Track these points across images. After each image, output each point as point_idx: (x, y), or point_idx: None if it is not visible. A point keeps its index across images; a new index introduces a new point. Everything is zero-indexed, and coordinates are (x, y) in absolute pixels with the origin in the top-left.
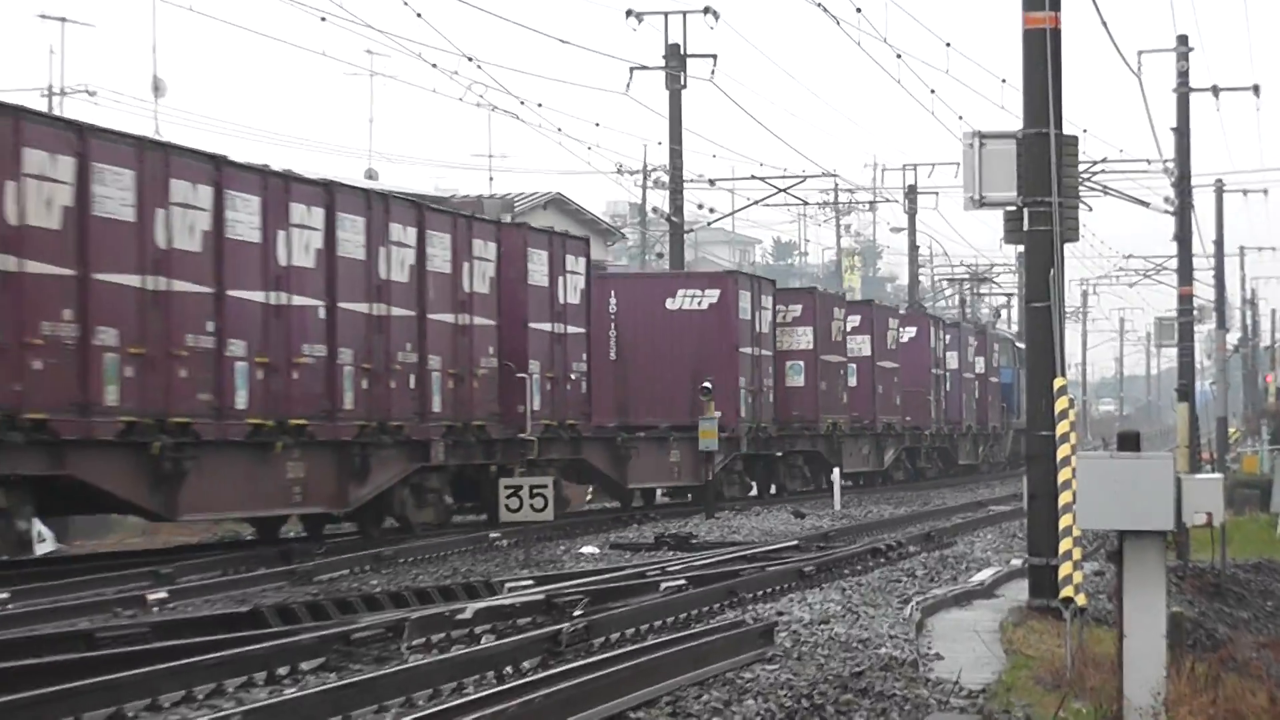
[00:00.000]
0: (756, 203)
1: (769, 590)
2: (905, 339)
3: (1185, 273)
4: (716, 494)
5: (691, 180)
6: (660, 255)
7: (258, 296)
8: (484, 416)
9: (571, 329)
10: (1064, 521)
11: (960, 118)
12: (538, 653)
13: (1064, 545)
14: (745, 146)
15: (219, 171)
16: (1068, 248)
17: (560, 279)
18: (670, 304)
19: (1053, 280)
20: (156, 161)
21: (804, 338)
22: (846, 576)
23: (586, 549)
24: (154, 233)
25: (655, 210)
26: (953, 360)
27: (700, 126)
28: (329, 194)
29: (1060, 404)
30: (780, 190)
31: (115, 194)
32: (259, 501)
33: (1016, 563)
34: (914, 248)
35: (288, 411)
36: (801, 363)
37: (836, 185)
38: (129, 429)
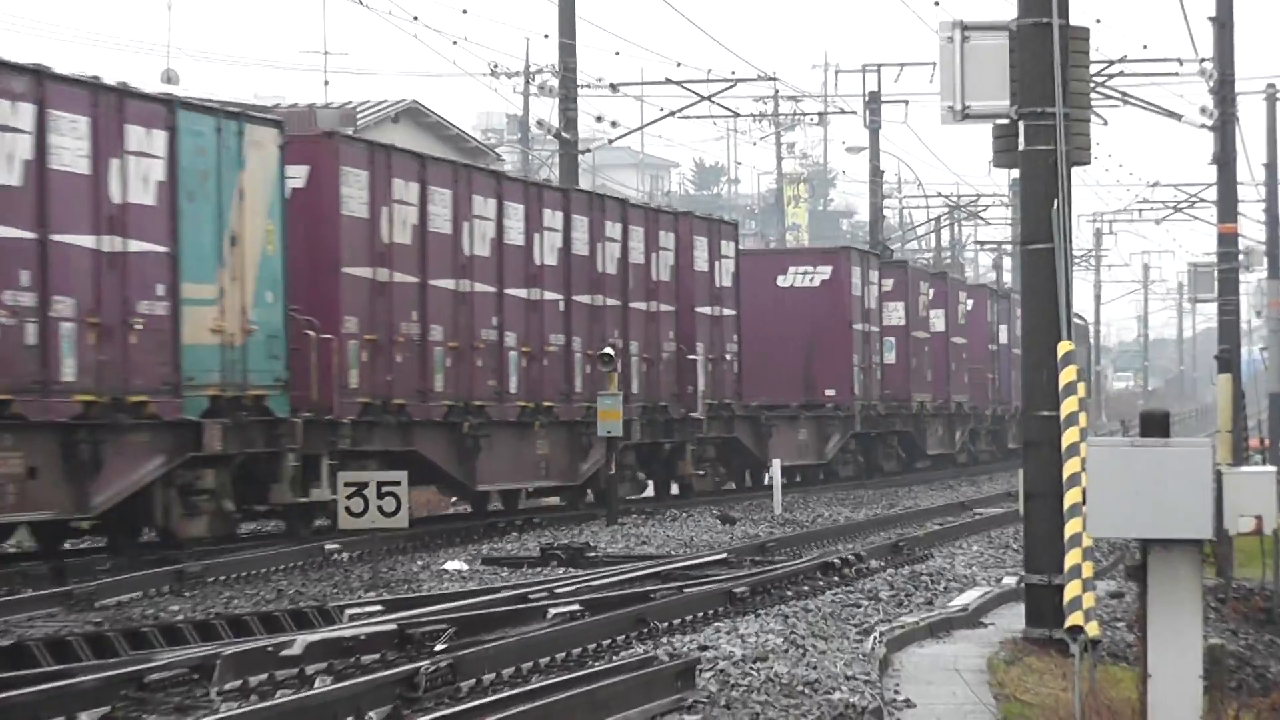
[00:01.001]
0: (673, 114)
1: (689, 618)
2: (967, 312)
3: (1228, 205)
4: (828, 474)
5: (588, 85)
6: (546, 182)
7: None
8: (667, 397)
9: (726, 311)
10: (1071, 528)
11: (936, 3)
12: (387, 700)
13: (1070, 559)
14: (658, 42)
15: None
16: (1077, 173)
17: (717, 263)
18: (781, 281)
19: (1056, 215)
20: None
21: (896, 313)
22: (790, 600)
23: (451, 565)
24: None
25: (541, 124)
26: (1004, 334)
27: (599, 15)
28: (565, 197)
29: (1066, 375)
30: (703, 99)
31: None
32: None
33: (1010, 581)
34: (877, 174)
35: (541, 395)
36: (893, 339)
37: (776, 92)
38: None
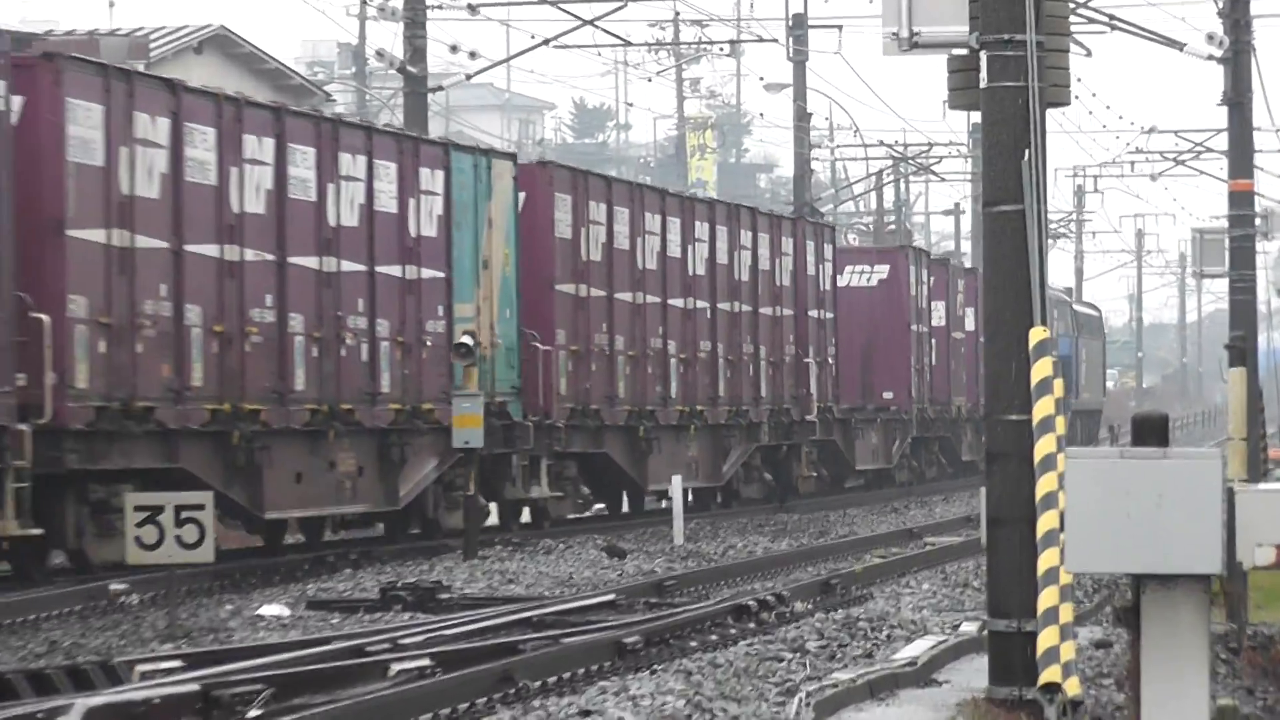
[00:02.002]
0: (546, 42)
1: (568, 675)
2: None
3: (1241, 156)
4: (904, 478)
5: (440, 6)
6: (388, 127)
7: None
8: (789, 400)
9: (827, 315)
10: (1045, 561)
11: None
12: None
13: (1045, 600)
14: None
15: None
16: (1054, 117)
17: (822, 266)
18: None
19: (1028, 169)
20: None
21: (937, 312)
22: (694, 652)
23: (269, 609)
24: None
25: (380, 55)
26: None
27: None
28: (711, 209)
29: (1040, 369)
30: (585, 23)
31: None
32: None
33: (969, 628)
34: (803, 118)
35: (695, 399)
36: (935, 340)
37: (677, 15)
38: None
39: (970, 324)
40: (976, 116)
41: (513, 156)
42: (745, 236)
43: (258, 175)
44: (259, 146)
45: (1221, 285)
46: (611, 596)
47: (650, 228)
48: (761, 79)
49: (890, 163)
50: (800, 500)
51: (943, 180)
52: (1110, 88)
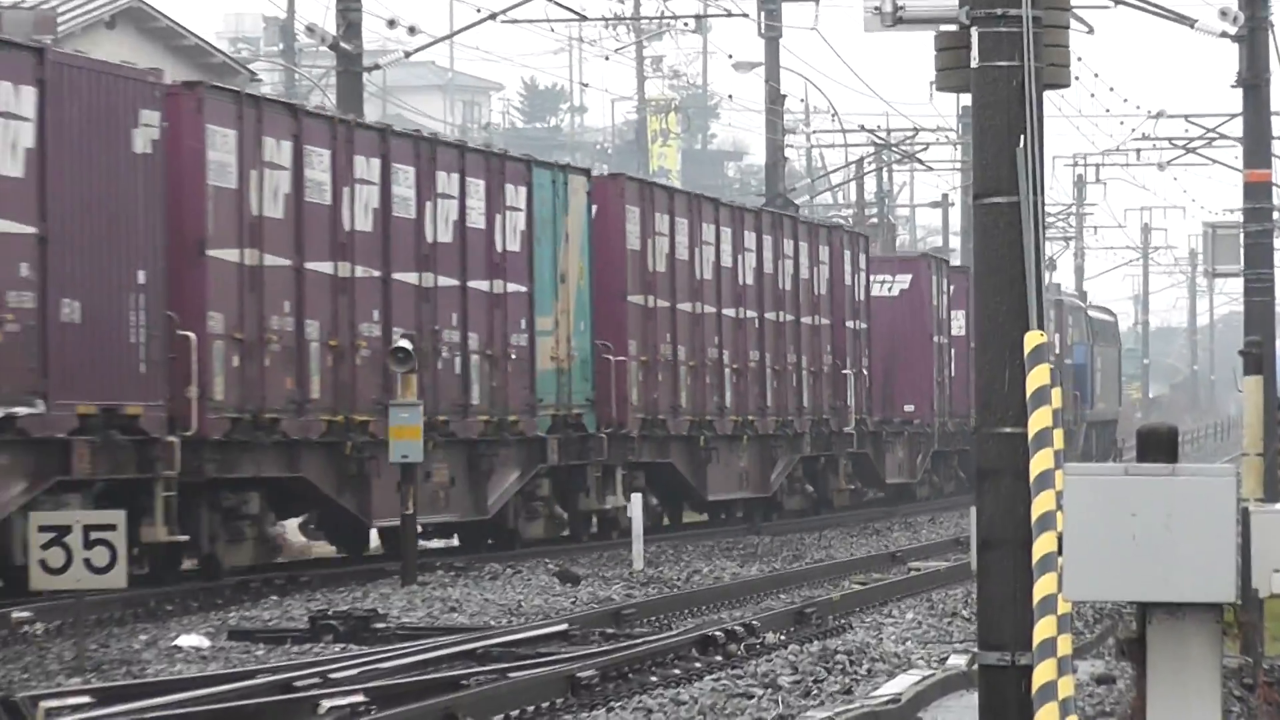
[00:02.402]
0: (493, 16)
1: (517, 713)
2: None
3: (1258, 144)
4: (924, 493)
5: None
6: (320, 109)
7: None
8: (828, 411)
9: (861, 325)
10: (1041, 588)
11: None
12: None
13: (1041, 630)
14: None
15: None
16: (1055, 99)
17: (857, 275)
18: None
19: (1023, 156)
20: None
21: (956, 322)
22: (655, 689)
23: (187, 640)
24: None
25: (311, 30)
26: None
27: None
28: (758, 218)
29: (1037, 377)
30: None
31: None
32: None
33: (958, 662)
34: (776, 100)
35: (746, 410)
36: (954, 350)
37: None
38: None
39: None
40: (966, 99)
41: (587, 172)
42: (787, 245)
43: (366, 194)
44: (367, 167)
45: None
46: (564, 626)
47: (707, 238)
48: (730, 57)
49: (872, 150)
50: (780, 520)
51: (929, 169)
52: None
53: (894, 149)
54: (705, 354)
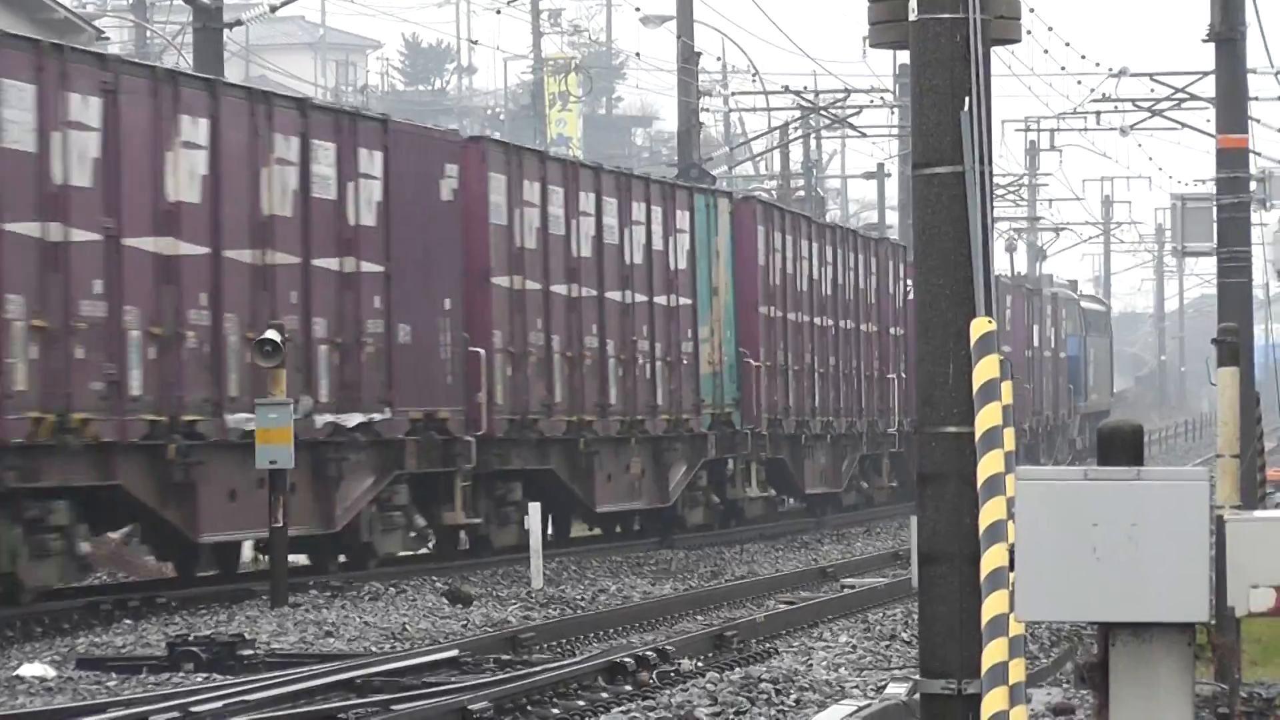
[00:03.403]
0: None
1: None
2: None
3: (1233, 106)
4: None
5: None
6: (172, 75)
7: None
8: (875, 416)
9: (901, 330)
10: (991, 607)
11: None
12: None
13: (990, 655)
14: None
15: None
16: (1004, 55)
17: (900, 284)
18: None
19: (969, 121)
20: None
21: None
22: None
23: (30, 669)
24: None
25: None
26: (1036, 335)
27: None
28: (831, 232)
29: (984, 370)
30: None
31: None
32: None
33: (898, 690)
34: (690, 59)
35: (829, 410)
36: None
37: None
38: None
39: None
40: (904, 57)
41: (729, 194)
42: (846, 257)
43: (586, 225)
44: (588, 201)
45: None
46: (454, 653)
47: (828, 258)
48: (637, 10)
49: (798, 114)
50: (690, 534)
51: (863, 136)
52: (1071, 21)
53: (823, 113)
54: (803, 359)
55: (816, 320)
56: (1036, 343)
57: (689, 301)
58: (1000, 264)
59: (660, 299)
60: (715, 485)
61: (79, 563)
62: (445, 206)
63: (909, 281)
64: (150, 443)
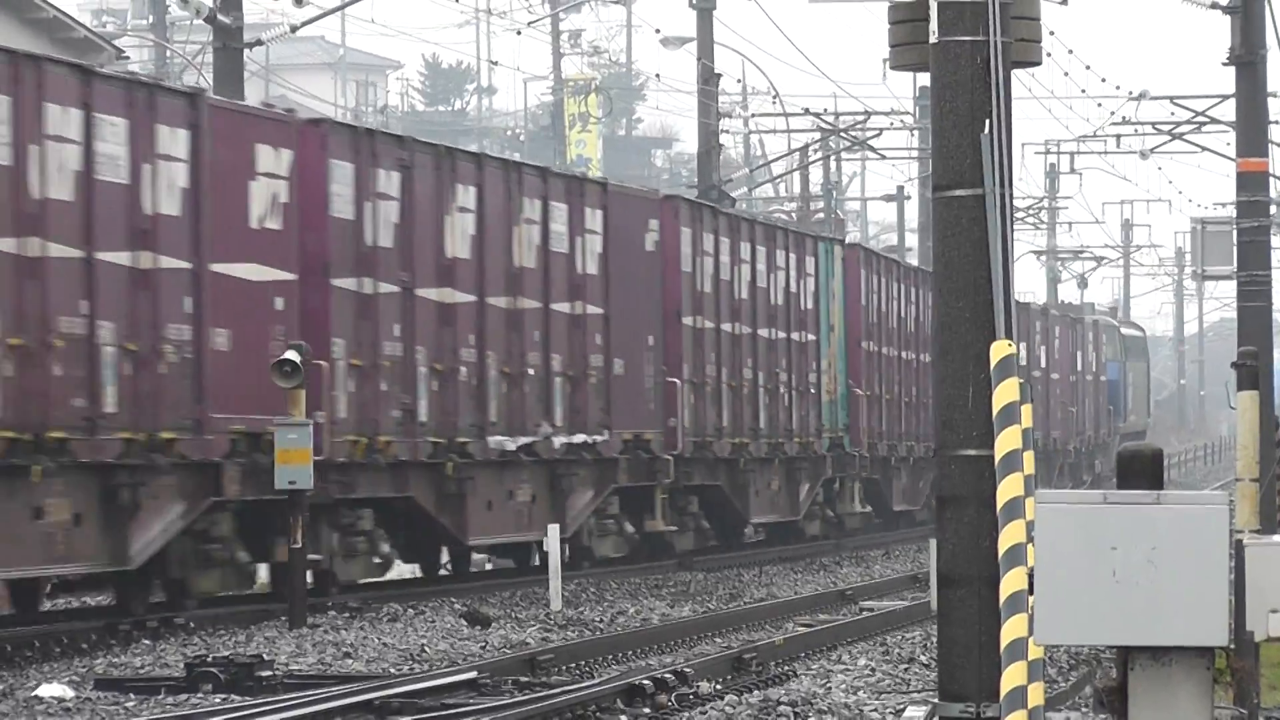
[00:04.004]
0: None
1: None
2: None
3: (1253, 129)
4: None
5: None
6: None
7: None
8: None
9: (924, 357)
10: (1010, 631)
11: None
12: None
13: (1009, 678)
14: None
15: None
16: (1024, 78)
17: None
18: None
19: (989, 144)
20: None
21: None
22: None
23: (49, 690)
24: None
25: (185, 2)
26: (1080, 360)
27: None
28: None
29: (1004, 393)
30: None
31: None
32: None
33: (917, 714)
34: (710, 80)
35: (898, 434)
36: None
37: None
38: None
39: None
40: (925, 79)
41: (841, 242)
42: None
43: (744, 272)
44: (746, 250)
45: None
46: (473, 674)
47: (911, 298)
48: (658, 31)
49: (818, 136)
50: (705, 556)
51: (883, 158)
52: (1091, 44)
53: (843, 135)
54: (884, 388)
55: (902, 354)
56: (1080, 367)
57: (814, 338)
58: (1044, 292)
59: (795, 335)
60: (828, 501)
61: (382, 560)
62: (649, 256)
63: None
64: (433, 461)
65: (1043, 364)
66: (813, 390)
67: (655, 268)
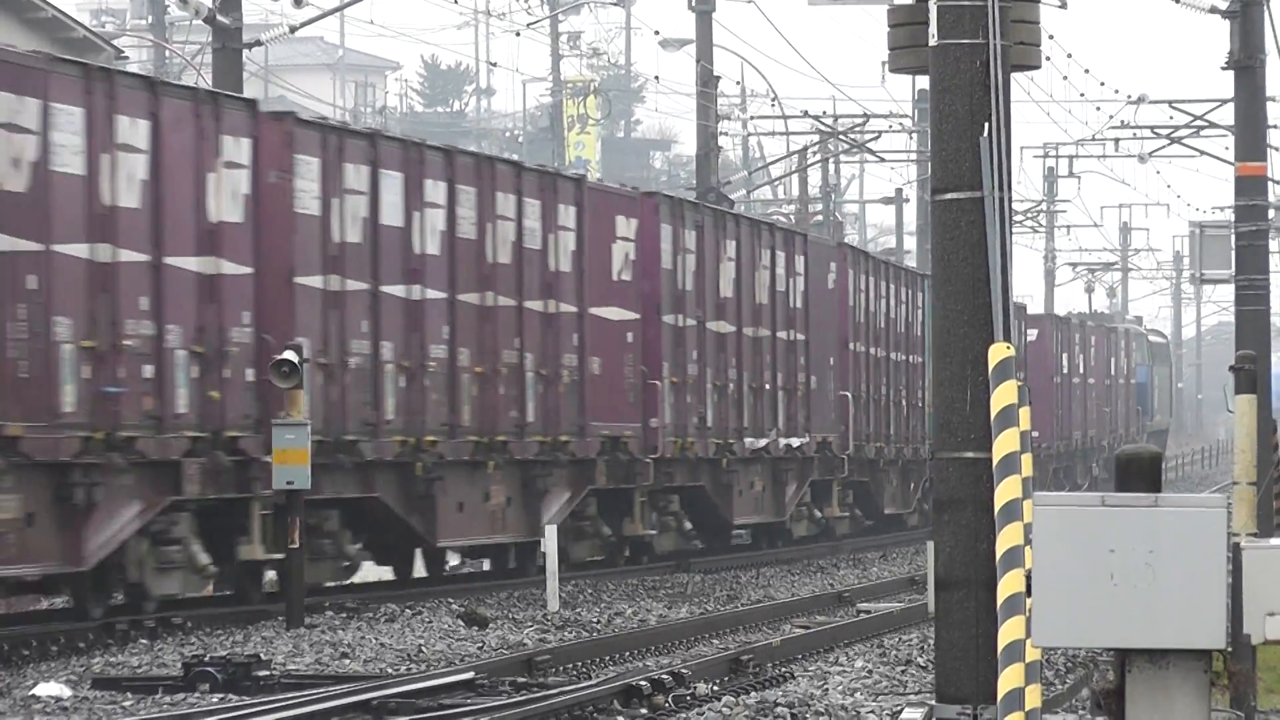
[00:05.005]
0: None
1: None
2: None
3: (1252, 133)
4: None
5: None
6: (194, 91)
7: None
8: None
9: (919, 359)
10: (1007, 633)
11: None
12: None
13: (1006, 681)
14: None
15: None
16: (1023, 82)
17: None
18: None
19: (988, 146)
20: None
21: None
22: None
23: (46, 689)
24: None
25: (184, 3)
26: (1113, 365)
27: None
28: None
29: (1004, 395)
30: None
31: None
32: None
33: (913, 716)
34: (709, 82)
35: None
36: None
37: None
38: None
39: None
40: (924, 82)
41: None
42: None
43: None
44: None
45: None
46: (470, 675)
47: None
48: (657, 34)
49: (816, 139)
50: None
51: (881, 161)
52: (1090, 48)
53: (841, 138)
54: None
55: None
56: (1113, 372)
57: (920, 359)
58: (1080, 302)
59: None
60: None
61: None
62: (829, 294)
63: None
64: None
65: (1081, 370)
66: (918, 404)
67: (836, 302)
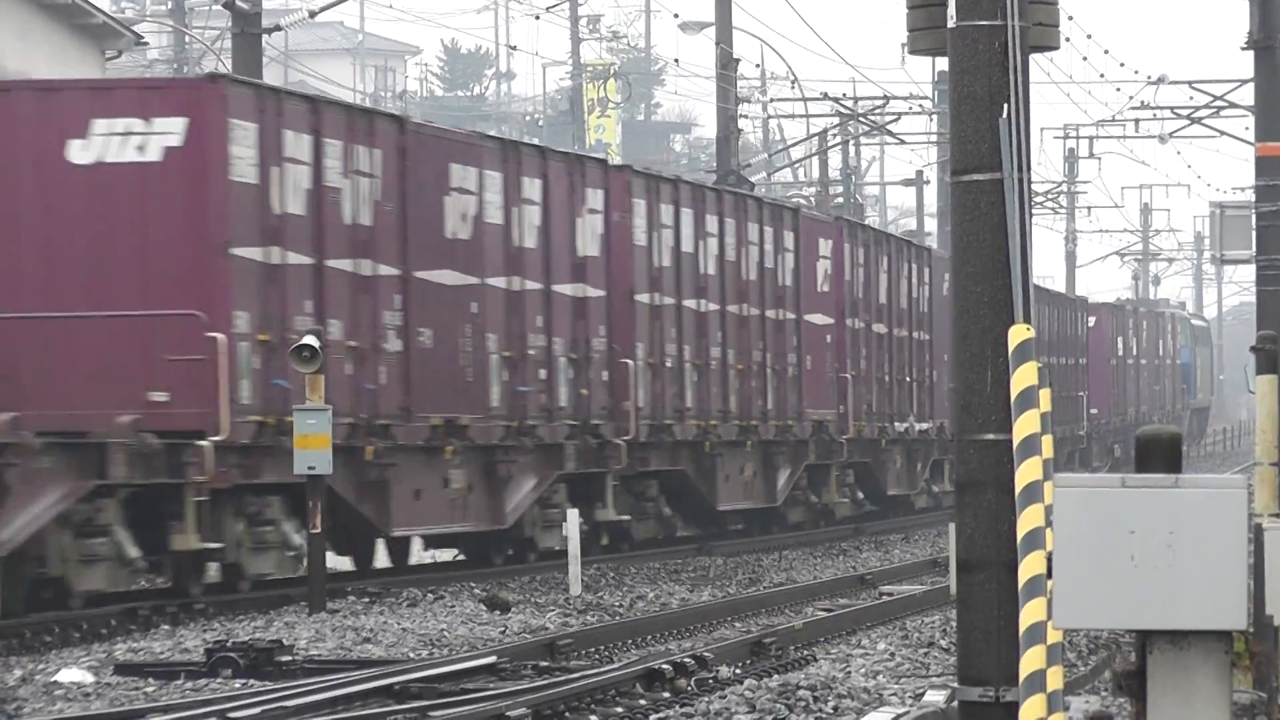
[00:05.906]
0: None
1: None
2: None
3: (1272, 114)
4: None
5: None
6: (213, 76)
7: None
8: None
9: (925, 335)
10: (1029, 615)
11: None
12: None
13: (1028, 662)
14: None
15: None
16: (1043, 62)
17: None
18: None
19: (1007, 128)
20: None
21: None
22: None
23: (68, 675)
24: None
25: None
26: (1160, 348)
27: None
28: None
29: (1024, 377)
30: None
31: None
32: None
33: (936, 698)
34: (728, 65)
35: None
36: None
37: None
38: None
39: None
40: (943, 64)
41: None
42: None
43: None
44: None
45: (1247, 272)
46: (492, 659)
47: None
48: (676, 16)
49: (836, 121)
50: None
51: (901, 143)
52: (1110, 28)
53: (861, 120)
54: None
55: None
56: (1161, 353)
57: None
58: (1098, 283)
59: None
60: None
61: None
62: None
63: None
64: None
65: (1134, 351)
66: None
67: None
